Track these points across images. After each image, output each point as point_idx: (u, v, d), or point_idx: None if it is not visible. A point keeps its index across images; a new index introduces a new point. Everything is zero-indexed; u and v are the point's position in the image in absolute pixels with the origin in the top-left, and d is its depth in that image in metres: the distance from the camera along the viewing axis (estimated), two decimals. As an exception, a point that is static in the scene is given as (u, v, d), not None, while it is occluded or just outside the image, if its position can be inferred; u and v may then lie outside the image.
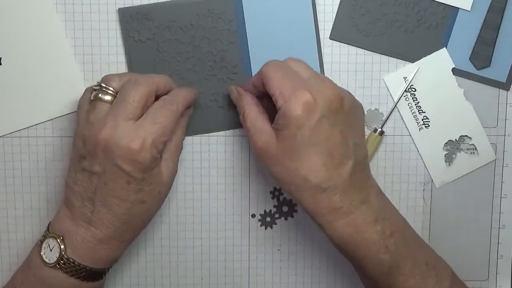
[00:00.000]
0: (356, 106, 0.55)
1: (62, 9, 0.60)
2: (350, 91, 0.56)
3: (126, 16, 0.60)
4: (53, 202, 0.62)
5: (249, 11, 0.60)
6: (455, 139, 0.63)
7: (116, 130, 0.51)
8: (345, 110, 0.53)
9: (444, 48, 0.62)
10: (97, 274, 0.55)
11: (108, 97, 0.53)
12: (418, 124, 0.62)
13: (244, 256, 0.64)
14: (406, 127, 0.63)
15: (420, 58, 0.62)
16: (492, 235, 0.64)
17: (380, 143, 0.62)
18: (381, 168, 0.63)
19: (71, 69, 0.60)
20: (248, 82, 0.58)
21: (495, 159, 0.63)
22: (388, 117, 0.62)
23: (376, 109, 0.62)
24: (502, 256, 0.65)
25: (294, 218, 0.64)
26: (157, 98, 0.55)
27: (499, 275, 0.65)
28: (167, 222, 0.63)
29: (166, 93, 0.56)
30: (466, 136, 0.63)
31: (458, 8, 0.61)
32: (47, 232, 0.54)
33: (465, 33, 0.61)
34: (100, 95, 0.54)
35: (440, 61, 0.62)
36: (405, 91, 0.62)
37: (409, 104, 0.62)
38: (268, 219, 0.64)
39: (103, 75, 0.55)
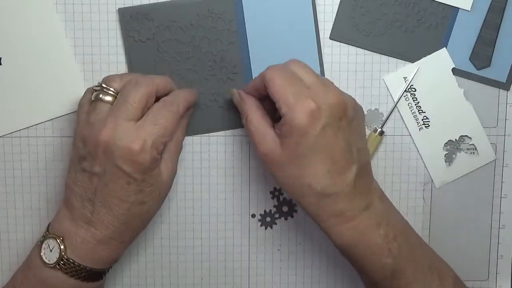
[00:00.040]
0: (358, 110, 0.55)
1: (62, 9, 0.60)
2: (350, 91, 0.56)
3: (126, 16, 0.60)
4: (53, 202, 0.62)
5: (249, 11, 0.60)
6: (455, 139, 0.63)
7: (117, 131, 0.51)
8: (349, 117, 0.53)
9: (444, 48, 0.62)
10: (97, 275, 0.55)
11: (108, 98, 0.53)
12: (418, 124, 0.62)
13: (244, 256, 0.64)
14: (406, 127, 0.63)
15: (420, 58, 0.62)
16: (492, 235, 0.64)
17: (380, 143, 0.62)
18: (381, 168, 0.63)
19: (71, 69, 0.60)
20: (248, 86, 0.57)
21: (495, 159, 0.63)
22: (388, 117, 0.62)
23: (376, 109, 0.62)
24: (502, 256, 0.65)
25: (294, 218, 0.64)
26: (157, 99, 0.55)
27: (499, 275, 0.65)
28: (167, 222, 0.63)
29: (166, 94, 0.56)
30: (466, 136, 0.63)
31: (458, 8, 0.61)
32: (47, 232, 0.54)
33: (465, 33, 0.61)
34: (101, 95, 0.54)
35: (440, 61, 0.62)
36: (405, 91, 0.62)
37: (409, 104, 0.62)
38: (268, 219, 0.64)
39: (103, 75, 0.55)
